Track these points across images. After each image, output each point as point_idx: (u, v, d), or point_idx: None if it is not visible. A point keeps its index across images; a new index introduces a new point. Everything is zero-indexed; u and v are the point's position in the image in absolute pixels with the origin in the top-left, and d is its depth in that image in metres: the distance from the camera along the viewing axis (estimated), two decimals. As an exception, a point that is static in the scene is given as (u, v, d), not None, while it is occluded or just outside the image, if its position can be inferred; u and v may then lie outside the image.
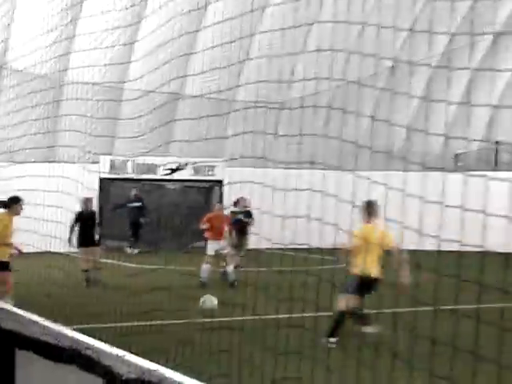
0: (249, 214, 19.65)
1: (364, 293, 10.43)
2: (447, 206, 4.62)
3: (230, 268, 17.24)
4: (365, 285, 10.33)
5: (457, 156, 34.73)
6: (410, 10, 26.98)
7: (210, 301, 12.13)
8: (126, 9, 19.58)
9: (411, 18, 27.21)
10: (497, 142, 32.89)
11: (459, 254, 4.65)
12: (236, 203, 19.45)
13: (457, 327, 4.75)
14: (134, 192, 27.54)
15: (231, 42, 7.46)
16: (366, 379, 5.40)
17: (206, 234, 18.40)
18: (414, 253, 9.70)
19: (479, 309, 4.87)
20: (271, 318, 6.71)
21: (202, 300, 12.25)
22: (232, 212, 19.39)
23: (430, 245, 5.48)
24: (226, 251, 17.68)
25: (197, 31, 18.91)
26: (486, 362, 4.24)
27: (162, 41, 8.98)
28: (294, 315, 6.22)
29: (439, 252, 4.89)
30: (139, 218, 27.38)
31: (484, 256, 4.65)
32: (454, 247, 4.91)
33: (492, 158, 33.57)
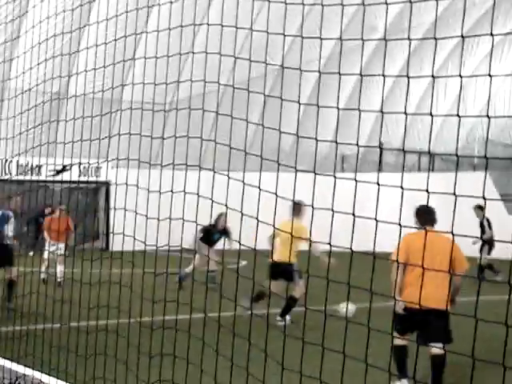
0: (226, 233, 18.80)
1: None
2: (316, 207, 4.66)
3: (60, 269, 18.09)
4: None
5: (344, 157, 35.49)
6: (299, 12, 27.32)
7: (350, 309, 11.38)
8: (7, 2, 19.00)
9: (299, 20, 27.58)
10: (381, 144, 33.76)
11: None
12: (216, 221, 18.46)
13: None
14: (47, 209, 27.09)
15: (115, 40, 7.31)
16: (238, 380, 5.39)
17: (46, 235, 19.78)
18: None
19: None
20: (146, 320, 6.64)
21: (342, 306, 12.35)
22: (207, 229, 18.35)
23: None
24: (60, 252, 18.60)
25: (83, 28, 18.52)
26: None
27: (45, 38, 8.70)
28: (167, 317, 6.19)
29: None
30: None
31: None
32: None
33: (377, 159, 34.45)
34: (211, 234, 18.74)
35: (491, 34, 4.84)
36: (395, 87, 34.71)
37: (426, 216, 8.62)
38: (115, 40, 7.08)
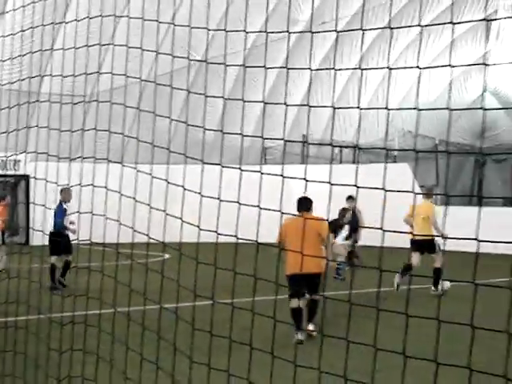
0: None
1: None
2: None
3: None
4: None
5: (265, 150, 35.62)
6: (221, 2, 27.28)
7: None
8: None
9: (222, 12, 27.55)
10: (304, 136, 34.03)
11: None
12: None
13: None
14: None
15: (31, 28, 7.13)
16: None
17: None
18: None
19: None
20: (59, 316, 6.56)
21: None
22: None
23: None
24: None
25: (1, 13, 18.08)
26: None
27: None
28: (77, 313, 6.12)
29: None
30: None
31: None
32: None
33: (299, 151, 34.72)
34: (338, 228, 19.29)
35: (412, 26, 4.88)
36: (317, 80, 35.00)
37: (301, 204, 11.26)
38: (32, 28, 6.91)
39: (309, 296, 10.93)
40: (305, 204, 11.25)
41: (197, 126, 5.93)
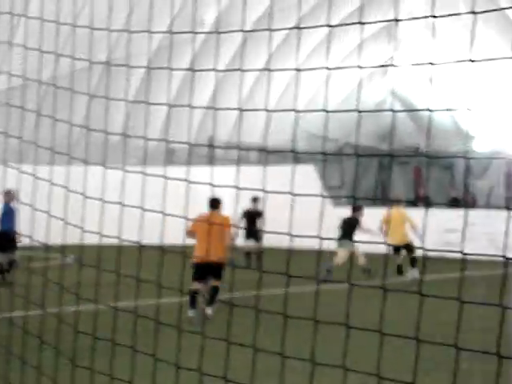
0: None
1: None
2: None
3: None
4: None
5: (171, 151, 35.47)
6: (125, 3, 27.01)
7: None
8: None
9: (126, 12, 27.25)
10: (210, 138, 34.04)
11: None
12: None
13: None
14: None
15: None
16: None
17: None
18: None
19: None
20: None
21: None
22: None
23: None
24: None
25: None
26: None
27: None
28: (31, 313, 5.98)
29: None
30: None
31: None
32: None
33: (205, 153, 34.68)
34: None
35: (322, 26, 4.91)
36: (224, 81, 35.04)
37: (211, 204, 13.39)
38: None
39: (212, 282, 12.83)
40: (214, 204, 13.46)
41: (100, 131, 5.83)
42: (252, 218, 23.42)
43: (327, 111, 4.67)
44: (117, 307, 4.61)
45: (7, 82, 6.07)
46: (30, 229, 5.44)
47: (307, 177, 29.51)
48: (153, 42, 29.08)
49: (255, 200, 23.23)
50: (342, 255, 18.87)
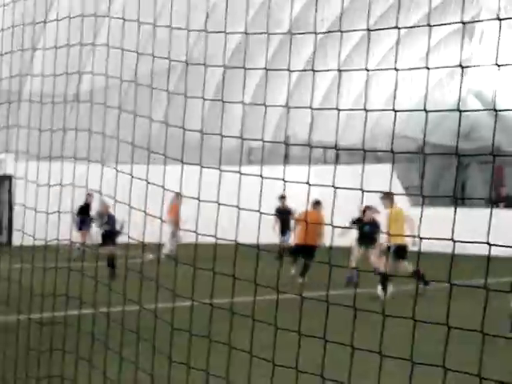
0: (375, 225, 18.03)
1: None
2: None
3: None
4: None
5: (250, 150, 35.65)
6: (204, 5, 27.27)
7: None
8: None
9: (204, 15, 27.50)
10: (287, 137, 34.04)
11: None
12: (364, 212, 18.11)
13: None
14: None
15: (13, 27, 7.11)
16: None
17: None
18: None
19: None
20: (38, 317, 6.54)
21: None
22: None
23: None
24: None
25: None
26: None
27: None
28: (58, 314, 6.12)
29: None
30: None
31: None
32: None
33: (283, 152, 34.71)
34: (361, 227, 18.21)
35: (397, 28, 4.87)
36: (301, 81, 35.04)
37: (314, 203, 18.21)
38: (13, 27, 6.88)
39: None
40: (315, 204, 18.21)
41: (178, 127, 5.93)
42: (284, 215, 23.43)
43: (396, 110, 4.61)
44: (212, 304, 4.66)
45: (91, 83, 6.22)
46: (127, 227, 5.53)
47: (385, 177, 29.26)
48: (232, 41, 29.28)
49: (283, 198, 23.41)
50: (357, 255, 18.03)
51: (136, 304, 5.24)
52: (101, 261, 17.20)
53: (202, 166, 4.77)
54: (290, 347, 4.55)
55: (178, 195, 21.36)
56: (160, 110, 27.43)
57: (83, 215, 22.64)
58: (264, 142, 5.63)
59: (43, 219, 6.14)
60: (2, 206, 29.37)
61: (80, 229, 22.73)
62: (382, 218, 16.91)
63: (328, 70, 31.11)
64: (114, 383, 5.53)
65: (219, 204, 4.62)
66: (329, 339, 4.16)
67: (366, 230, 18.01)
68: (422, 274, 15.79)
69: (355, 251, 18.18)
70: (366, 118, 4.49)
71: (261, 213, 4.40)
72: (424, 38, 34.78)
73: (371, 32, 4.41)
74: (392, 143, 4.37)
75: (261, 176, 4.53)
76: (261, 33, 5.66)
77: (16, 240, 25.84)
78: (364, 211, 18.02)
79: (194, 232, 4.78)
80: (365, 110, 4.29)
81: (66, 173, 6.31)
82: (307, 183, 4.38)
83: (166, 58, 4.78)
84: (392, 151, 4.21)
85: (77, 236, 21.63)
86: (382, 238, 16.93)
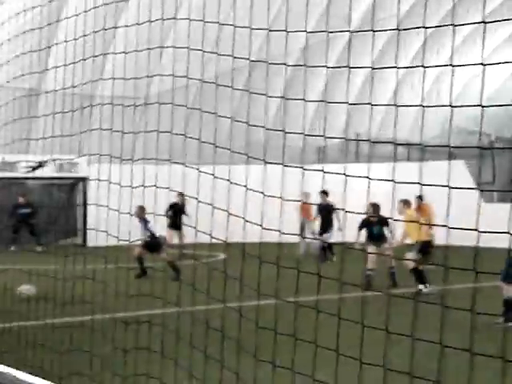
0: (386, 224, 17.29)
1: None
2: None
3: None
4: None
5: (319, 149, 35.53)
6: (268, 7, 27.29)
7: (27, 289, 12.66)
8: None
9: (268, 16, 27.56)
10: (357, 135, 33.85)
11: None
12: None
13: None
14: (21, 198, 27.07)
15: (90, 34, 7.24)
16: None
17: None
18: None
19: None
20: (123, 316, 6.63)
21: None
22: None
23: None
24: None
25: (57, 21, 18.36)
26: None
27: (19, 32, 8.60)
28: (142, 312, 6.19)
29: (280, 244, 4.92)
30: (27, 221, 26.96)
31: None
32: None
33: (353, 150, 34.54)
34: (370, 227, 17.36)
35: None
36: (369, 78, 34.76)
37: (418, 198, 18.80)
38: (84, 36, 7.01)
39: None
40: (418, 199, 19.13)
41: (257, 126, 5.95)
42: (326, 211, 23.12)
43: (482, 106, 4.53)
44: (297, 302, 4.66)
45: (171, 83, 6.29)
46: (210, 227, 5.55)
47: (458, 173, 28.90)
48: (302, 39, 29.21)
49: (325, 193, 22.96)
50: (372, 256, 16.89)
51: (220, 302, 5.27)
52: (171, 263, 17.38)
53: (285, 165, 4.78)
54: (376, 345, 4.52)
55: (306, 194, 21.93)
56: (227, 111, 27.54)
57: (174, 215, 22.97)
58: (348, 139, 5.58)
59: (124, 220, 6.23)
60: (77, 207, 29.94)
61: (171, 227, 23.09)
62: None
63: (397, 68, 30.81)
64: (200, 382, 5.57)
65: (302, 203, 4.60)
66: (419, 337, 4.11)
67: (377, 229, 17.28)
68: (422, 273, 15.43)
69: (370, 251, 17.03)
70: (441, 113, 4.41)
71: (346, 211, 4.38)
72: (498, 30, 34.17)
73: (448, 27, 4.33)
74: (449, 138, 4.29)
75: (345, 175, 4.51)
76: (367, 30, 5.63)
77: (90, 241, 26.36)
78: (373, 207, 17.10)
79: (278, 231, 4.78)
80: (450, 106, 4.23)
81: (141, 174, 6.38)
82: (392, 181, 4.34)
83: (246, 58, 4.78)
84: (448, 146, 4.13)
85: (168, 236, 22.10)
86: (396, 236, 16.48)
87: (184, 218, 22.47)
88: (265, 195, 4.86)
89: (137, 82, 6.91)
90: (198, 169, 5.19)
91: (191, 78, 5.91)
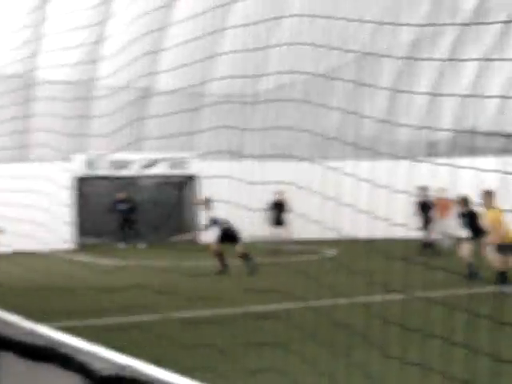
0: None
1: None
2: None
3: None
4: None
5: (430, 143, 34.92)
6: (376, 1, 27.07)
7: None
8: (94, 8, 19.54)
9: (377, 9, 27.30)
10: (472, 128, 33.07)
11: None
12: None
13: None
14: (121, 194, 27.90)
15: (199, 38, 7.44)
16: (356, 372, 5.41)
17: None
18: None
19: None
20: (252, 310, 6.70)
21: None
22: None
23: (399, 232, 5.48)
24: None
25: (166, 26, 18.81)
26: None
27: (132, 37, 8.93)
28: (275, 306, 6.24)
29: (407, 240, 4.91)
30: (129, 217, 27.75)
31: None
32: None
33: (467, 144, 33.76)
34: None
35: None
36: (482, 70, 33.92)
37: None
38: (195, 39, 7.20)
39: None
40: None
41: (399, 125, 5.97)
42: (426, 208, 22.57)
43: None
44: (426, 298, 4.63)
45: (279, 80, 6.40)
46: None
47: None
48: (410, 33, 28.82)
49: (424, 190, 22.17)
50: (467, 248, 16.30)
51: (346, 297, 5.29)
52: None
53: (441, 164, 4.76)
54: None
55: (442, 190, 22.18)
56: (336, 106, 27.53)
57: (276, 212, 23.16)
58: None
59: (234, 217, 6.33)
60: (188, 205, 30.45)
61: (274, 224, 23.30)
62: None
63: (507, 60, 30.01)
64: (325, 377, 5.56)
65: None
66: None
67: (466, 221, 16.51)
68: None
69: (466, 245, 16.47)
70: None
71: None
72: None
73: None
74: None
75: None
76: (433, 24, 5.59)
77: (202, 238, 26.83)
78: (463, 201, 16.38)
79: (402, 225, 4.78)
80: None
81: (250, 170, 6.51)
82: None
83: (342, 49, 4.78)
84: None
85: (273, 231, 22.28)
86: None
87: (286, 215, 22.39)
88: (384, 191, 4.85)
89: (245, 79, 7.05)
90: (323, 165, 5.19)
91: (304, 73, 5.99)
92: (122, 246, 27.30)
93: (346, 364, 5.02)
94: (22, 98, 19.95)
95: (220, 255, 16.84)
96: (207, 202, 17.09)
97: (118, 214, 27.82)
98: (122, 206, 28.03)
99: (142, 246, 27.17)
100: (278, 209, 23.02)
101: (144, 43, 9.40)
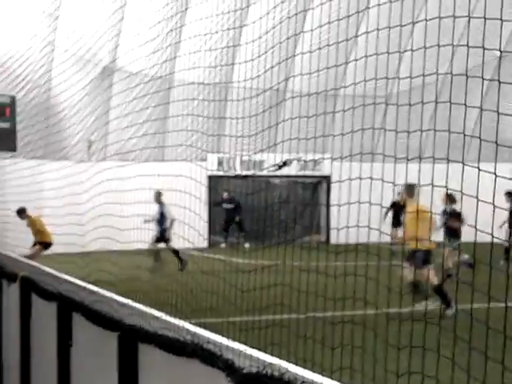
0: None
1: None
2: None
3: None
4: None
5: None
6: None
7: None
8: (229, 12, 20.03)
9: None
10: None
11: None
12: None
13: None
14: (225, 194, 28.35)
15: (334, 43, 7.55)
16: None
17: None
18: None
19: None
20: (393, 311, 6.72)
21: None
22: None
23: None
24: None
25: (300, 33, 19.03)
26: None
27: (267, 42, 9.13)
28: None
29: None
30: (233, 217, 28.20)
31: None
32: None
33: None
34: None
35: None
36: None
37: None
38: (331, 44, 7.31)
39: None
40: None
41: None
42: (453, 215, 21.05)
43: None
44: None
45: (408, 83, 6.44)
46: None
47: None
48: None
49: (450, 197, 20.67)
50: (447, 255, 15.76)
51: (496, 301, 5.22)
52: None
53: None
54: None
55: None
56: (472, 109, 26.85)
57: (396, 211, 22.92)
58: None
59: (364, 220, 6.40)
60: (320, 206, 30.60)
61: (393, 225, 23.04)
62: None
63: None
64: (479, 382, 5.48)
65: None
66: None
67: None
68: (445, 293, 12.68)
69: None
70: None
71: None
72: None
73: None
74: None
75: None
76: None
77: (333, 239, 26.91)
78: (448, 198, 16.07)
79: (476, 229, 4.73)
80: None
81: (379, 172, 6.53)
82: None
83: (481, 48, 4.76)
84: None
85: (393, 233, 21.94)
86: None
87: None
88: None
89: (381, 80, 7.10)
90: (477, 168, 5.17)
91: (440, 74, 5.99)
92: (246, 245, 27.54)
93: (498, 370, 4.98)
94: (162, 99, 20.69)
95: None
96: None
97: (222, 214, 28.27)
98: (226, 206, 28.43)
99: (246, 245, 27.23)
100: (397, 210, 22.66)
101: (280, 49, 9.59)
